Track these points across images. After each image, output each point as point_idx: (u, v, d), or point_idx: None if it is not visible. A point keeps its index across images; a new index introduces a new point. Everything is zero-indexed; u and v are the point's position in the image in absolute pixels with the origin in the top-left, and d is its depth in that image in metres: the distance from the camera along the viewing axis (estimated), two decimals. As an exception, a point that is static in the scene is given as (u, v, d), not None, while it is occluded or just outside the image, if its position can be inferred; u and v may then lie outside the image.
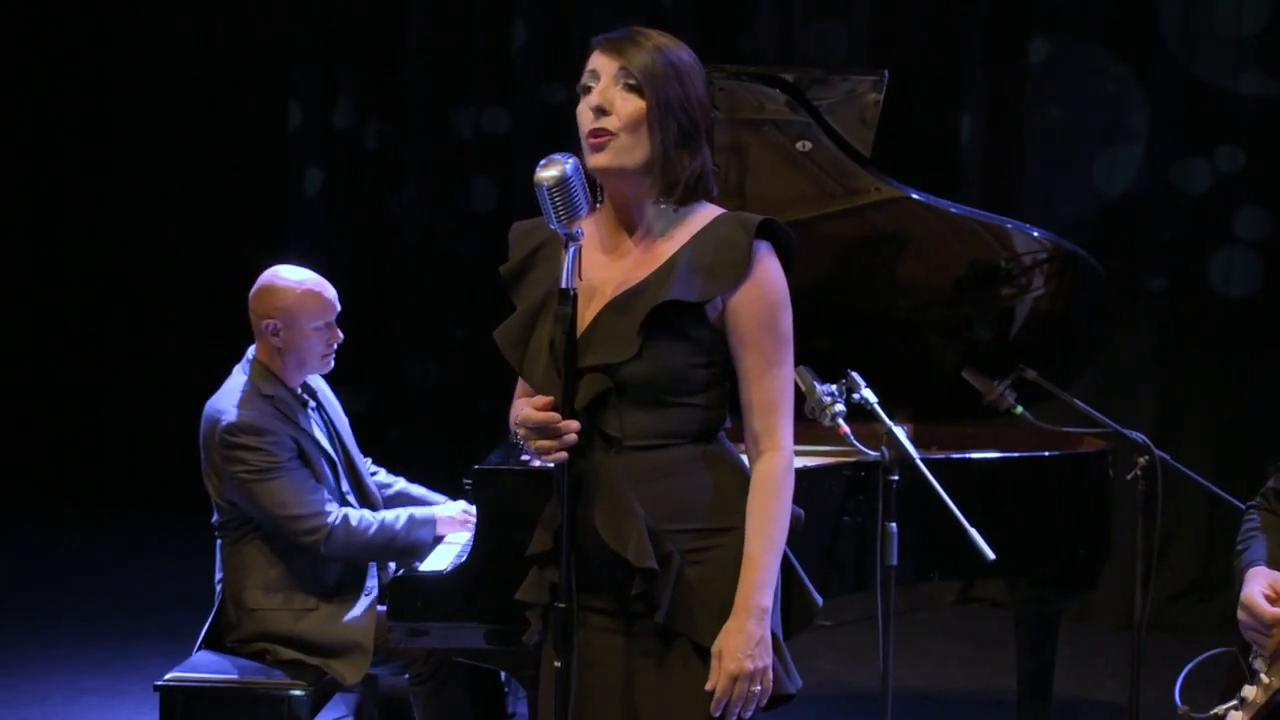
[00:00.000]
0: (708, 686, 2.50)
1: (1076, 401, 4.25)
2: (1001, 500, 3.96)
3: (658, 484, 2.55)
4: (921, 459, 3.55)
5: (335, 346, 3.98)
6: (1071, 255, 4.32)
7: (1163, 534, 5.77)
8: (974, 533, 3.42)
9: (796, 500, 3.60)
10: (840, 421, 3.62)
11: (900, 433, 3.55)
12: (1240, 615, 2.60)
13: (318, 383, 4.09)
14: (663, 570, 2.53)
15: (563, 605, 2.46)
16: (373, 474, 4.22)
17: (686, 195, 2.57)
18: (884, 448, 3.56)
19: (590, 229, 2.59)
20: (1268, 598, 2.58)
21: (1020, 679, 4.32)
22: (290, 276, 3.95)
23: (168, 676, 3.75)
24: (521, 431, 2.50)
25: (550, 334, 2.54)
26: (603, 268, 2.59)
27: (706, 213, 2.62)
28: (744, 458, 2.68)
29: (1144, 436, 4.13)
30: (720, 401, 2.62)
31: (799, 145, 3.96)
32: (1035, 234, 4.31)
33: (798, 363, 3.76)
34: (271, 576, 3.87)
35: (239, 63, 8.51)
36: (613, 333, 2.52)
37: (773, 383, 2.57)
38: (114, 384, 8.77)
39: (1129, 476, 4.11)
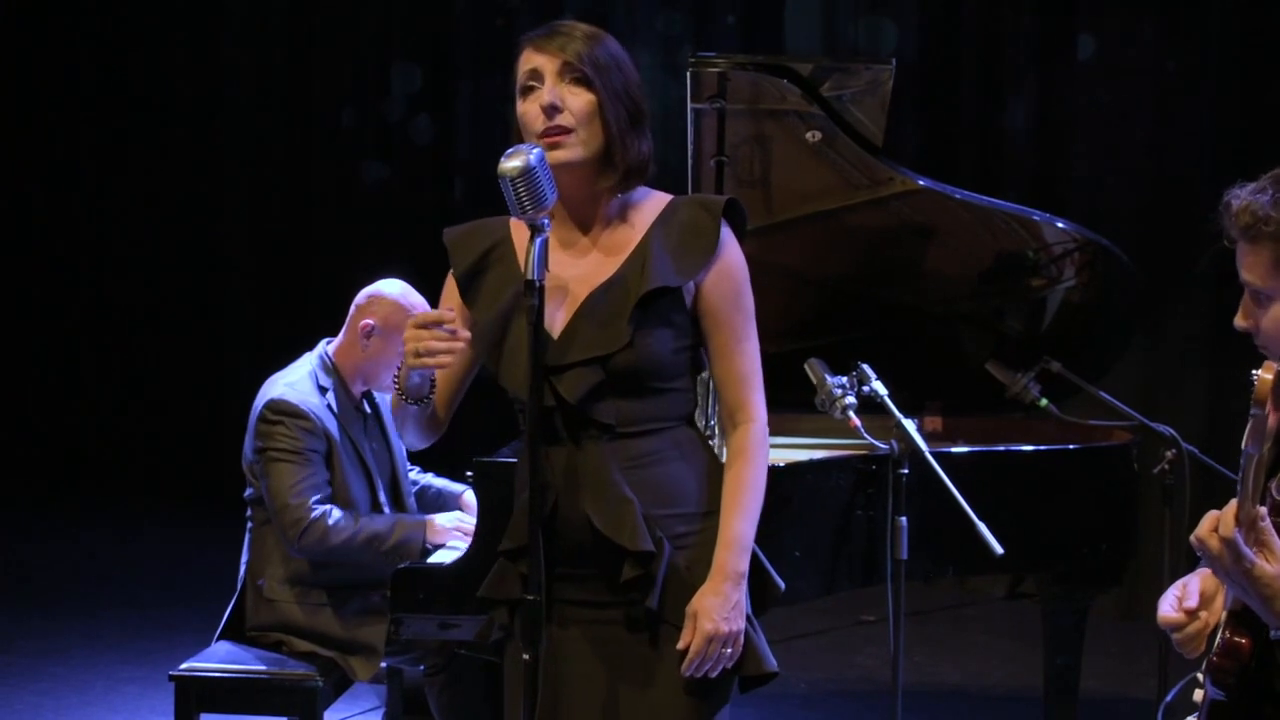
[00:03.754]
0: (680, 645, 2.51)
1: (1102, 394, 4.20)
2: (1020, 494, 3.92)
3: (648, 470, 2.56)
4: (933, 452, 3.52)
5: None
6: (1100, 247, 4.25)
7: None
8: (982, 527, 3.39)
9: (807, 492, 3.62)
10: (851, 414, 3.60)
11: (910, 425, 3.52)
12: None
13: (384, 399, 4.12)
14: (655, 556, 2.53)
15: (531, 597, 2.44)
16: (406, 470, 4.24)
17: (633, 177, 2.57)
18: (893, 441, 3.53)
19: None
20: (1177, 598, 2.50)
21: (1047, 676, 4.26)
22: (409, 295, 3.98)
23: (183, 666, 3.79)
24: (409, 335, 2.43)
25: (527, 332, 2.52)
26: (566, 265, 2.58)
27: (657, 198, 2.63)
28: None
29: (1171, 429, 4.07)
30: (694, 383, 2.66)
31: (808, 136, 3.93)
32: (1061, 225, 4.26)
33: (817, 356, 3.80)
34: (291, 568, 3.89)
35: (293, 58, 8.59)
36: (599, 326, 2.53)
37: (743, 356, 2.61)
38: (165, 378, 8.87)
39: (1155, 470, 4.06)
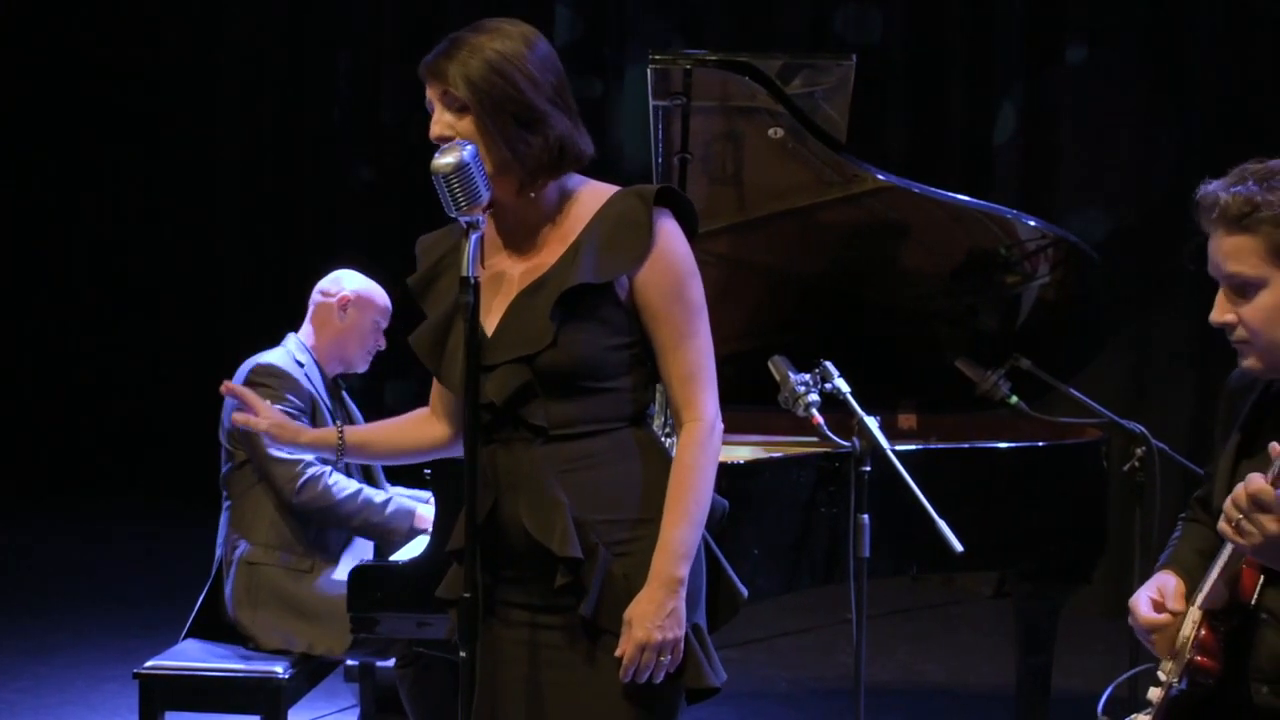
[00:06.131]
0: (616, 653, 2.47)
1: (1072, 391, 4.19)
2: (988, 491, 3.90)
3: (585, 473, 2.52)
4: (899, 450, 3.50)
5: (376, 351, 4.26)
6: (1070, 244, 4.25)
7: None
8: (942, 525, 3.36)
9: (766, 490, 3.61)
10: (813, 411, 3.58)
11: (872, 423, 3.50)
12: (1129, 620, 2.53)
13: (352, 404, 4.29)
14: (588, 562, 2.50)
15: (468, 596, 2.43)
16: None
17: (554, 170, 2.53)
18: (854, 438, 3.51)
19: (486, 232, 2.56)
20: (1154, 602, 2.50)
21: (1019, 674, 4.24)
22: (357, 275, 4.28)
23: (147, 664, 3.79)
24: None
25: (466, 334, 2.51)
26: (506, 263, 2.57)
27: (600, 191, 2.58)
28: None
29: (1141, 427, 4.06)
30: (645, 383, 2.59)
31: (771, 132, 3.91)
32: (1032, 222, 4.25)
33: (781, 353, 3.79)
34: (273, 534, 3.95)
35: (285, 57, 8.61)
36: (525, 324, 2.50)
37: (688, 354, 2.54)
38: (156, 378, 8.90)
39: (1125, 468, 4.04)
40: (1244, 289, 2.34)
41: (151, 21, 8.84)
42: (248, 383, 3.95)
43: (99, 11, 8.93)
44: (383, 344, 4.24)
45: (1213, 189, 2.37)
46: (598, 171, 2.63)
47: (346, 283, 4.21)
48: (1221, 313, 2.37)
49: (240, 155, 8.72)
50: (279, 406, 3.82)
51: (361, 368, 4.25)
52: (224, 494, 4.08)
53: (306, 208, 8.57)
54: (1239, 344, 2.39)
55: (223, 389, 2.80)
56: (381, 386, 8.14)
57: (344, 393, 4.24)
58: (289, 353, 4.09)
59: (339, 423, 2.82)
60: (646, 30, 7.57)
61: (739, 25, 7.41)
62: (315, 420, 4.00)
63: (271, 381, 3.97)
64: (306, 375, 4.06)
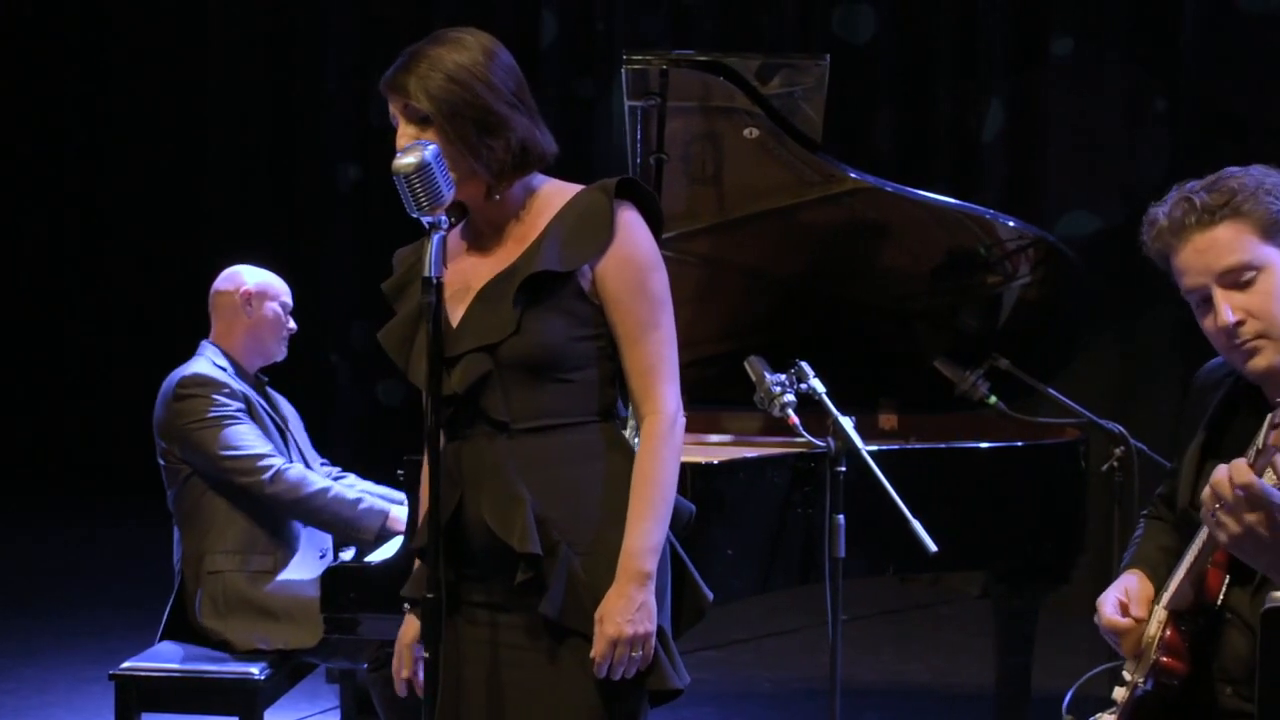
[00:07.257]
0: (591, 654, 2.47)
1: (1051, 390, 4.19)
2: (965, 491, 3.89)
3: (550, 470, 2.52)
4: (876, 450, 3.50)
5: (289, 333, 4.23)
6: (1049, 244, 4.25)
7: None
8: (916, 524, 3.35)
9: (740, 490, 3.60)
10: (789, 411, 3.58)
11: (847, 423, 3.49)
12: (1095, 620, 2.53)
13: (278, 397, 4.29)
14: (550, 561, 2.50)
15: (431, 596, 2.43)
16: (322, 463, 4.33)
17: (518, 170, 2.55)
18: (829, 438, 3.51)
19: (454, 236, 2.59)
20: (1120, 603, 2.50)
21: (998, 674, 4.23)
22: (251, 268, 4.24)
23: (123, 666, 3.78)
24: None
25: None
26: (474, 261, 2.59)
27: (564, 189, 2.60)
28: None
29: (1121, 427, 4.06)
30: (611, 378, 2.59)
31: (746, 132, 3.91)
32: (1011, 223, 4.25)
33: (761, 354, 3.78)
34: (229, 538, 3.94)
35: (273, 56, 8.62)
36: (489, 314, 2.51)
37: (649, 345, 2.54)
38: (141, 377, 8.89)
39: (1104, 468, 4.04)
40: (1241, 279, 2.29)
41: (141, 22, 8.84)
42: (176, 396, 3.96)
43: (87, 11, 8.93)
44: (294, 326, 4.23)
45: (1174, 204, 2.33)
46: (588, 174, 2.64)
47: (246, 277, 4.18)
48: (1231, 310, 2.29)
49: (229, 156, 8.72)
50: (215, 412, 3.91)
51: (281, 355, 4.23)
52: (173, 518, 4.06)
53: (295, 208, 8.57)
54: (1253, 341, 2.30)
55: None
56: (373, 387, 8.15)
57: (268, 388, 4.23)
58: (209, 360, 4.08)
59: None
60: (640, 31, 7.58)
61: (729, 24, 7.42)
62: (253, 417, 4.01)
63: (201, 390, 3.95)
64: (231, 378, 4.05)
